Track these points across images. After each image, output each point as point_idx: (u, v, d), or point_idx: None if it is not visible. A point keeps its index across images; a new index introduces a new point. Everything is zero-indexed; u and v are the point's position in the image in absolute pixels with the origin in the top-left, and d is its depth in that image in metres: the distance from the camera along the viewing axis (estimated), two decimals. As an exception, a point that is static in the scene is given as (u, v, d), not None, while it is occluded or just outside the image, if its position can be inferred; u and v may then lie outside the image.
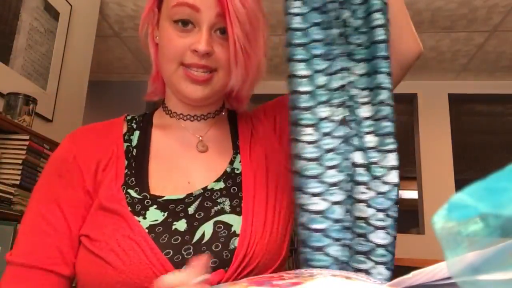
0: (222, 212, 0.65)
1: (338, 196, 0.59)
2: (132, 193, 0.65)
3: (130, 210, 0.62)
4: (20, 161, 1.48)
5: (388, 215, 0.57)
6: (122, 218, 0.61)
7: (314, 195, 0.58)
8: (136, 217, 0.61)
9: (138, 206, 0.63)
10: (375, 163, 0.59)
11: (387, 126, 0.60)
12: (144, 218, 0.62)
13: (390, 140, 0.59)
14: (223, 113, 0.82)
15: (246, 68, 0.69)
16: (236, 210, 0.65)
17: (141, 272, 0.57)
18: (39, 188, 0.68)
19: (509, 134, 4.99)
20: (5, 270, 0.64)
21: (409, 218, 5.81)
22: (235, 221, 0.64)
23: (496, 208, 0.21)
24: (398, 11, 0.71)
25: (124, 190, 0.65)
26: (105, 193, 0.64)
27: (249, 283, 0.40)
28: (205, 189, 0.68)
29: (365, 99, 0.62)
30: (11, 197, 1.44)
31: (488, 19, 2.84)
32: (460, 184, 3.63)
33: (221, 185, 0.69)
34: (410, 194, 7.99)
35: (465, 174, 4.21)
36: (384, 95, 0.60)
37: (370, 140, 0.60)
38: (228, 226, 0.63)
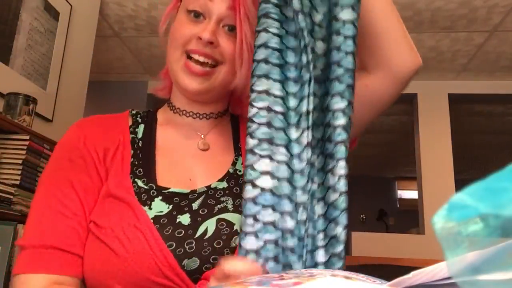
0: (225, 210, 0.66)
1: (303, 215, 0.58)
2: (140, 182, 0.66)
3: (137, 199, 0.63)
4: (20, 161, 1.48)
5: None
6: (129, 206, 0.62)
7: (284, 213, 0.58)
8: (142, 207, 0.62)
9: (144, 196, 0.64)
10: (325, 185, 0.59)
11: (341, 150, 0.58)
12: (150, 208, 0.63)
13: (343, 164, 0.58)
14: (227, 117, 0.82)
15: (250, 68, 0.69)
16: (238, 209, 0.65)
17: (143, 261, 0.58)
18: (50, 173, 0.68)
19: (509, 134, 4.99)
20: (19, 256, 0.64)
21: (409, 218, 5.82)
22: (238, 220, 0.64)
23: (496, 208, 0.21)
24: (391, 23, 0.70)
25: (132, 179, 0.66)
26: (114, 181, 0.66)
27: (249, 283, 0.40)
28: (208, 187, 0.69)
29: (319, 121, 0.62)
30: (11, 197, 1.44)
31: (488, 19, 2.84)
32: (460, 184, 3.61)
33: (224, 184, 0.70)
34: (410, 194, 8.00)
35: (465, 174, 4.22)
36: (341, 120, 0.59)
37: (320, 161, 0.60)
38: (230, 224, 0.64)
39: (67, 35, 2.28)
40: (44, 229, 0.63)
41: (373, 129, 5.28)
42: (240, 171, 0.73)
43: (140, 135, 0.74)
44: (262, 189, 0.57)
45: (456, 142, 3.70)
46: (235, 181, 0.71)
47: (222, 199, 0.68)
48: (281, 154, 0.59)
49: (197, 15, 0.70)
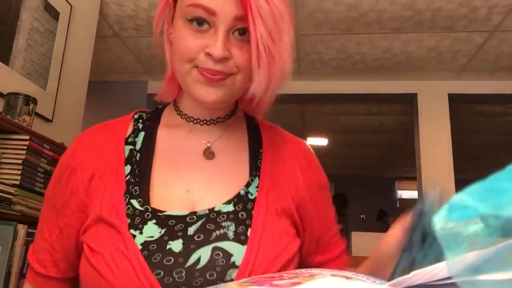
0: (224, 237, 0.60)
1: None
2: (135, 203, 0.63)
3: (129, 222, 0.61)
4: (20, 161, 1.48)
5: None
6: (118, 232, 0.60)
7: None
8: (133, 231, 0.60)
9: (138, 219, 0.61)
10: None
11: None
12: (141, 232, 0.60)
13: None
14: (238, 118, 0.76)
15: (270, 72, 0.63)
16: (240, 238, 0.60)
17: None
18: (47, 190, 0.72)
19: (509, 134, 4.99)
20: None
21: (409, 218, 5.80)
22: (236, 251, 0.59)
23: (496, 209, 0.21)
24: None
25: (127, 200, 0.63)
26: (107, 204, 0.63)
27: (249, 283, 0.40)
28: (211, 210, 0.63)
29: None
30: (11, 197, 1.44)
31: (488, 19, 2.84)
32: (460, 184, 3.61)
33: (230, 207, 0.64)
34: (410, 194, 8.00)
35: (465, 174, 4.21)
36: None
37: None
38: (227, 255, 0.59)
39: (67, 35, 2.28)
40: (34, 245, 0.71)
41: (373, 129, 5.28)
42: (252, 194, 0.66)
43: (139, 145, 0.70)
44: None
45: (456, 142, 3.70)
46: (244, 204, 0.64)
47: (223, 224, 0.62)
48: None
49: (200, 23, 0.62)
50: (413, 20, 2.89)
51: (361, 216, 7.88)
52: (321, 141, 5.76)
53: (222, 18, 0.61)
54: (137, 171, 0.66)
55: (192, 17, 0.62)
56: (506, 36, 3.05)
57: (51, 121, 2.12)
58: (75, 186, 0.66)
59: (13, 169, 1.48)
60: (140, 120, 0.75)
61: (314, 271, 0.45)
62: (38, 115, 1.97)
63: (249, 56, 0.62)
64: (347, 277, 0.39)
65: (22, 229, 1.36)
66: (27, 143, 1.51)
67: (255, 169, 0.69)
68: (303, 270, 0.49)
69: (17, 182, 1.47)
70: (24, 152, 1.50)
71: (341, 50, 3.36)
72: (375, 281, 0.40)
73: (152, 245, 0.59)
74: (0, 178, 1.46)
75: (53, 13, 2.16)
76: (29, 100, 1.74)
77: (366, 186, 7.80)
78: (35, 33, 2.02)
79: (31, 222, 1.48)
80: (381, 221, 7.27)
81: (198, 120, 0.72)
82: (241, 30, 0.62)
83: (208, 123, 0.72)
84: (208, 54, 0.61)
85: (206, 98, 0.64)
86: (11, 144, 1.51)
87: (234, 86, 0.64)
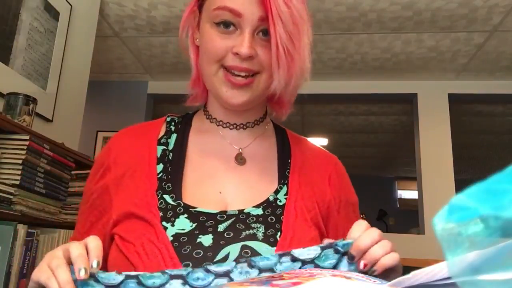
0: (253, 237, 0.62)
1: None
2: (168, 198, 0.65)
3: (161, 215, 0.63)
4: (20, 161, 1.48)
5: None
6: (149, 224, 0.62)
7: None
8: (164, 223, 0.62)
9: (170, 213, 0.63)
10: None
11: None
12: (172, 225, 0.62)
13: None
14: (268, 126, 0.79)
15: (289, 71, 0.66)
16: (269, 240, 0.62)
17: None
18: (84, 187, 0.75)
19: (509, 134, 4.99)
20: None
21: (409, 218, 5.81)
22: (265, 251, 0.61)
23: (496, 210, 0.21)
24: None
25: (159, 195, 0.66)
26: (137, 199, 0.65)
27: (249, 283, 0.40)
28: (241, 211, 0.65)
29: None
30: (11, 197, 1.44)
31: (488, 19, 2.84)
32: (460, 184, 3.62)
33: (259, 211, 0.66)
34: (410, 194, 8.00)
35: (465, 174, 4.21)
36: None
37: None
38: (256, 254, 0.60)
39: (67, 35, 2.28)
40: (72, 236, 0.74)
41: (373, 129, 5.28)
42: (281, 201, 0.68)
43: (171, 146, 0.73)
44: None
45: (456, 142, 3.70)
46: (273, 209, 0.66)
47: (253, 225, 0.64)
48: None
49: (226, 25, 0.66)
50: (413, 20, 2.88)
51: (361, 216, 7.87)
52: (321, 141, 5.76)
53: (247, 19, 0.65)
54: (169, 169, 0.69)
55: (219, 20, 0.66)
56: (506, 36, 3.05)
57: (51, 121, 2.12)
58: (106, 183, 0.69)
59: (13, 169, 1.48)
60: (173, 123, 0.77)
61: (314, 271, 0.45)
62: (38, 115, 1.97)
63: (271, 55, 0.66)
64: (347, 277, 0.39)
65: (22, 229, 1.36)
66: (27, 143, 1.51)
67: (283, 178, 0.72)
68: (303, 270, 0.49)
69: (17, 182, 1.47)
70: (24, 152, 1.50)
71: (341, 50, 3.36)
72: (375, 281, 0.40)
73: (183, 237, 0.61)
74: (0, 178, 1.46)
75: (53, 13, 2.16)
76: (29, 100, 1.74)
77: (366, 186, 7.80)
78: (35, 33, 2.02)
79: (31, 222, 1.48)
80: (381, 221, 7.27)
81: (228, 124, 0.75)
82: (264, 31, 0.66)
83: (238, 127, 0.75)
84: (236, 54, 0.65)
85: (233, 101, 0.68)
86: (11, 144, 1.51)
87: (259, 87, 0.68)
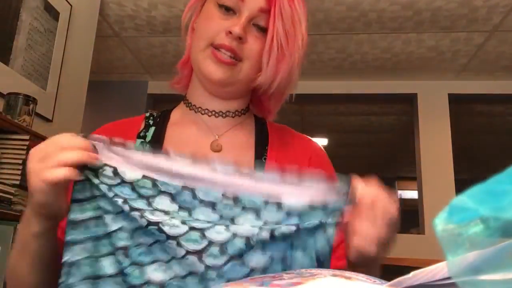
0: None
1: None
2: None
3: None
4: (20, 161, 1.48)
5: None
6: None
7: None
8: None
9: None
10: None
11: None
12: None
13: None
14: (249, 118, 0.80)
15: (277, 66, 0.70)
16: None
17: None
18: None
19: (509, 134, 4.99)
20: None
21: (409, 218, 5.81)
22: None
23: (496, 211, 0.21)
24: None
25: None
26: None
27: (249, 283, 0.40)
28: None
29: None
30: (11, 197, 1.44)
31: (488, 19, 2.84)
32: (460, 184, 3.62)
33: None
34: (410, 194, 8.00)
35: (465, 174, 4.21)
36: None
37: None
38: None
39: (67, 35, 2.28)
40: None
41: (373, 129, 5.28)
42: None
43: (149, 138, 0.74)
44: None
45: (456, 142, 3.70)
46: None
47: None
48: None
49: (228, 9, 0.70)
50: (413, 20, 2.88)
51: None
52: (321, 141, 5.76)
53: (248, 6, 0.68)
54: None
55: (222, 3, 0.69)
56: (506, 36, 3.05)
57: (51, 121, 2.12)
58: None
59: (13, 169, 1.48)
60: (151, 118, 0.79)
61: (314, 271, 0.45)
62: (38, 115, 1.97)
63: (260, 48, 0.69)
64: (347, 277, 0.39)
65: (22, 229, 1.36)
66: (27, 143, 1.51)
67: (260, 164, 0.74)
68: (303, 270, 0.49)
69: (17, 182, 1.47)
70: (24, 152, 1.50)
71: (341, 50, 3.35)
72: (375, 281, 0.40)
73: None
74: (0, 178, 1.46)
75: (53, 13, 2.16)
76: (29, 100, 1.74)
77: (366, 186, 7.79)
78: (35, 33, 2.02)
79: (31, 222, 1.47)
80: (381, 221, 7.26)
81: (207, 111, 0.76)
82: (260, 26, 0.69)
83: (217, 115, 0.76)
84: (229, 32, 0.68)
85: (213, 75, 0.70)
86: (11, 144, 1.51)
87: (240, 74, 0.71)
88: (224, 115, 0.76)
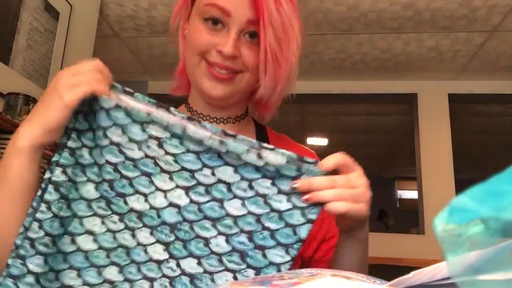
0: None
1: None
2: None
3: None
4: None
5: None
6: None
7: None
8: None
9: None
10: None
11: None
12: None
13: None
14: (249, 124, 0.80)
15: (276, 76, 0.68)
16: None
17: None
18: None
19: (509, 134, 4.99)
20: None
21: (409, 218, 5.81)
22: None
23: (496, 212, 0.21)
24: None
25: None
26: None
27: (249, 283, 0.40)
28: None
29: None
30: (11, 197, 1.43)
31: (488, 19, 2.84)
32: (460, 184, 3.62)
33: None
34: (410, 194, 8.00)
35: (465, 174, 4.22)
36: None
37: None
38: None
39: (67, 35, 2.28)
40: None
41: (373, 129, 5.28)
42: None
43: None
44: None
45: (456, 142, 3.70)
46: None
47: None
48: None
49: (215, 22, 0.67)
50: (413, 20, 2.88)
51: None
52: (321, 141, 5.76)
53: (236, 20, 0.65)
54: None
55: (208, 16, 0.67)
56: (506, 36, 3.05)
57: (51, 121, 2.12)
58: None
59: (13, 169, 1.48)
60: None
61: (314, 271, 0.46)
62: (38, 115, 1.97)
63: (256, 57, 0.67)
64: (347, 277, 0.39)
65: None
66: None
67: None
68: (303, 270, 0.49)
69: (17, 182, 1.47)
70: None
71: (341, 50, 3.36)
72: (375, 281, 0.40)
73: None
74: (0, 178, 1.46)
75: (53, 13, 2.16)
76: (29, 100, 1.74)
77: (366, 186, 7.79)
78: (35, 33, 2.02)
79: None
80: (381, 221, 7.27)
81: (208, 118, 0.75)
82: (252, 32, 0.67)
83: (218, 121, 0.76)
84: (219, 51, 0.66)
85: (213, 92, 0.69)
86: (11, 144, 1.51)
87: (240, 84, 0.69)
88: (225, 122, 0.76)
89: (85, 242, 0.58)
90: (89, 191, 0.58)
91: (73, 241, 0.57)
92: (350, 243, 0.64)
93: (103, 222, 0.58)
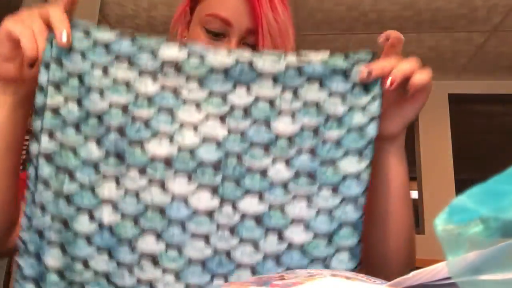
0: None
1: None
2: None
3: None
4: (20, 161, 1.48)
5: None
6: None
7: None
8: None
9: None
10: None
11: None
12: None
13: None
14: None
15: None
16: None
17: None
18: None
19: (509, 134, 4.99)
20: None
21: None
22: None
23: (496, 212, 0.21)
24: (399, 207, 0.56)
25: None
26: None
27: (250, 283, 0.40)
28: None
29: None
30: (11, 197, 1.44)
31: (488, 19, 2.84)
32: (460, 184, 3.62)
33: None
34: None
35: (465, 174, 4.22)
36: None
37: None
38: None
39: (67, 35, 2.28)
40: None
41: (373, 129, 5.28)
42: None
43: None
44: None
45: (456, 142, 3.70)
46: None
47: None
48: None
49: (216, 34, 0.68)
50: (413, 20, 2.88)
51: (361, 216, 7.87)
52: (321, 141, 5.75)
53: (236, 29, 0.67)
54: None
55: (210, 28, 0.67)
56: (506, 36, 3.05)
57: (51, 121, 2.12)
58: None
59: (13, 169, 1.48)
60: None
61: (314, 271, 0.46)
62: (38, 115, 1.97)
63: None
64: (347, 277, 0.39)
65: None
66: (27, 143, 1.51)
67: None
68: (303, 270, 0.49)
69: (17, 182, 1.47)
70: (24, 152, 1.50)
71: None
72: (375, 281, 0.40)
73: None
74: (0, 178, 1.46)
75: (53, 13, 2.16)
76: (29, 100, 1.74)
77: (366, 186, 7.79)
78: (35, 33, 2.02)
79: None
80: (381, 221, 7.27)
81: None
82: (251, 41, 0.68)
83: None
84: None
85: None
86: (11, 144, 1.52)
87: None
88: None
89: (105, 215, 0.47)
90: (91, 150, 0.47)
91: (91, 217, 0.47)
92: (392, 155, 0.57)
93: (118, 183, 0.47)
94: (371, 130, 0.49)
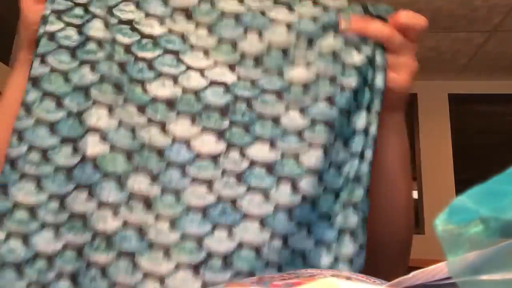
0: None
1: None
2: None
3: None
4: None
5: None
6: None
7: None
8: None
9: None
10: None
11: None
12: None
13: None
14: None
15: None
16: None
17: None
18: None
19: (509, 134, 4.99)
20: None
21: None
22: None
23: (497, 212, 0.21)
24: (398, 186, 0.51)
25: None
26: None
27: (250, 283, 0.40)
28: None
29: None
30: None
31: (488, 19, 2.84)
32: (460, 184, 3.62)
33: None
34: (410, 194, 8.00)
35: (465, 174, 4.22)
36: None
37: None
38: None
39: (67, 35, 2.28)
40: None
41: (373, 129, 5.28)
42: None
43: None
44: None
45: (456, 142, 3.70)
46: None
47: None
48: None
49: None
50: (413, 20, 2.89)
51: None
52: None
53: None
54: None
55: None
56: (506, 36, 3.05)
57: (51, 121, 2.13)
58: None
59: (13, 169, 1.49)
60: None
61: (314, 271, 0.46)
62: (38, 115, 1.97)
63: None
64: (347, 277, 0.39)
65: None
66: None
67: None
68: (303, 270, 0.49)
69: (17, 182, 1.47)
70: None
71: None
72: (375, 281, 0.40)
73: None
74: (0, 178, 1.47)
75: (53, 13, 2.17)
76: (29, 100, 1.75)
77: (366, 186, 7.80)
78: (35, 33, 2.03)
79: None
80: (381, 221, 7.28)
81: None
82: None
83: None
84: None
85: None
86: (11, 144, 1.52)
87: None
88: None
89: (89, 145, 0.40)
90: (85, 75, 0.42)
91: (75, 150, 0.40)
92: (390, 129, 0.51)
93: (110, 112, 0.41)
94: (379, 83, 0.46)
